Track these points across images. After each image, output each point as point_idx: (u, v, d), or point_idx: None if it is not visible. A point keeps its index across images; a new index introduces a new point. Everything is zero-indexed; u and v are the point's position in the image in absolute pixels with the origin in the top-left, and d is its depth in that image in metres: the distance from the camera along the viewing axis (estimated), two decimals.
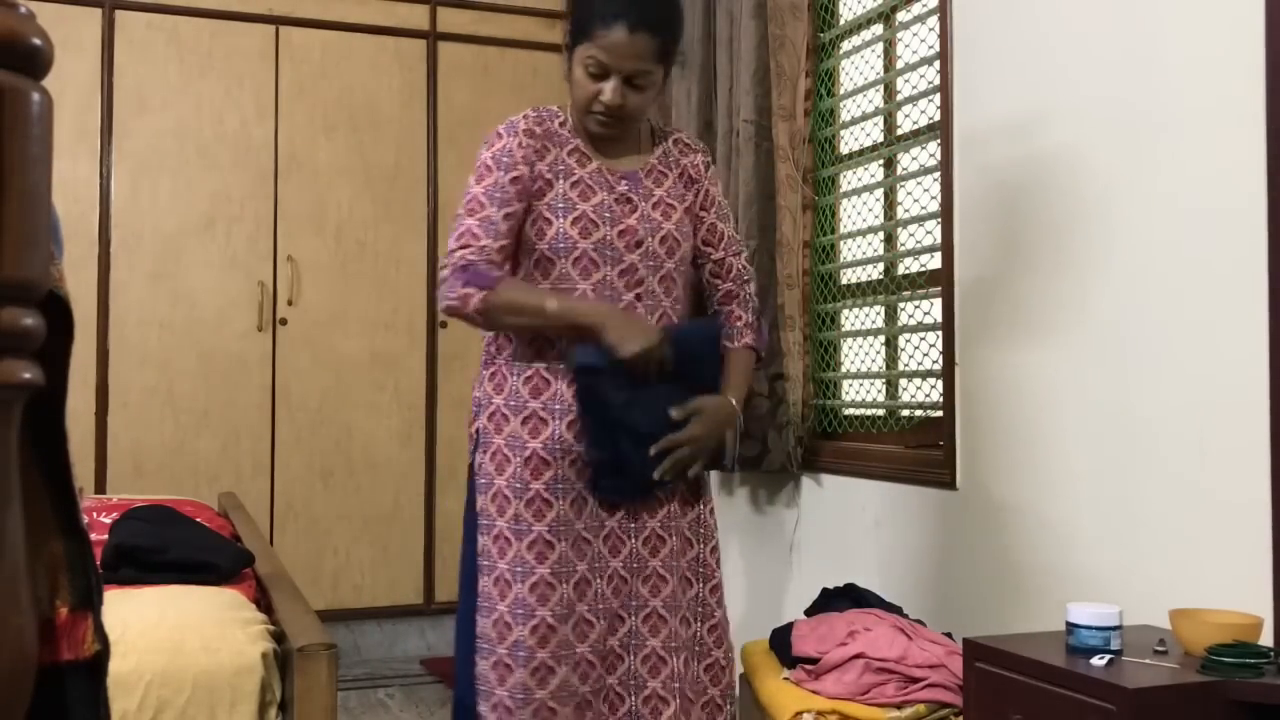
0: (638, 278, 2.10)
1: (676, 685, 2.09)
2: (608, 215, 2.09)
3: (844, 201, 3.23)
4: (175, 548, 2.53)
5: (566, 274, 2.07)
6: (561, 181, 2.09)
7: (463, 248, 2.03)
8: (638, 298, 2.10)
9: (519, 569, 2.06)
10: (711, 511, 2.24)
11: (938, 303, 2.70)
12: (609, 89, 2.04)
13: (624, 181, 2.13)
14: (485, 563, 2.09)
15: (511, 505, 2.07)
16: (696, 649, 2.15)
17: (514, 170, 2.05)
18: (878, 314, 3.06)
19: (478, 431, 2.14)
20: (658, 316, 2.11)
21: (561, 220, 2.07)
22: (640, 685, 2.10)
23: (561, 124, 2.13)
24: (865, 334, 3.09)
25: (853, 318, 3.18)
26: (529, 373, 2.10)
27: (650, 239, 2.11)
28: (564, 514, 2.06)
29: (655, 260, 2.11)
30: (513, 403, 2.10)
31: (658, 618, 2.10)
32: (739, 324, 2.21)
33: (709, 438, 2.11)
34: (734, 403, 2.15)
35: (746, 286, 2.23)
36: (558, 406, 2.08)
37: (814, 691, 2.29)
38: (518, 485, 2.08)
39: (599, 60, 2.03)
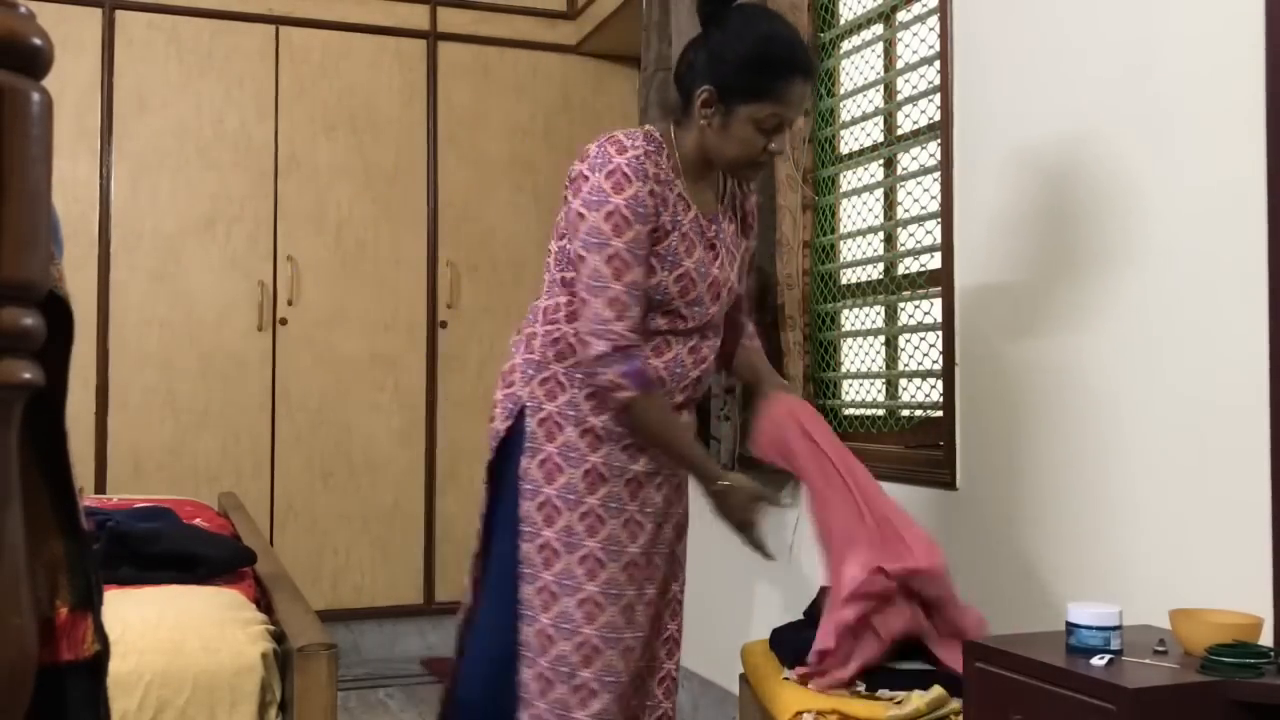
0: (713, 324, 2.13)
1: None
2: (702, 271, 2.08)
3: (844, 201, 3.23)
4: (166, 538, 2.53)
5: (653, 321, 2.05)
6: (674, 233, 2.04)
7: (618, 319, 1.95)
8: (703, 336, 2.12)
9: (567, 582, 2.04)
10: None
11: (938, 303, 2.70)
12: (780, 141, 2.03)
13: (712, 226, 2.11)
14: (527, 570, 2.05)
15: (562, 517, 2.04)
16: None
17: (649, 223, 1.99)
18: (878, 314, 3.06)
19: (522, 433, 2.07)
20: (710, 351, 2.16)
21: (666, 274, 2.03)
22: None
23: (664, 157, 2.05)
24: (865, 334, 3.09)
25: (853, 318, 3.18)
26: (593, 389, 2.05)
27: (724, 288, 2.13)
28: (616, 534, 2.06)
29: (724, 305, 2.15)
30: (570, 412, 2.05)
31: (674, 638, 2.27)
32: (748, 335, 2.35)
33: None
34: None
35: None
36: (618, 429, 2.06)
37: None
38: (570, 497, 2.04)
39: (780, 116, 2.01)
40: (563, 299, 2.07)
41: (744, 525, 2.10)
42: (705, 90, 2.04)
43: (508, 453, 2.09)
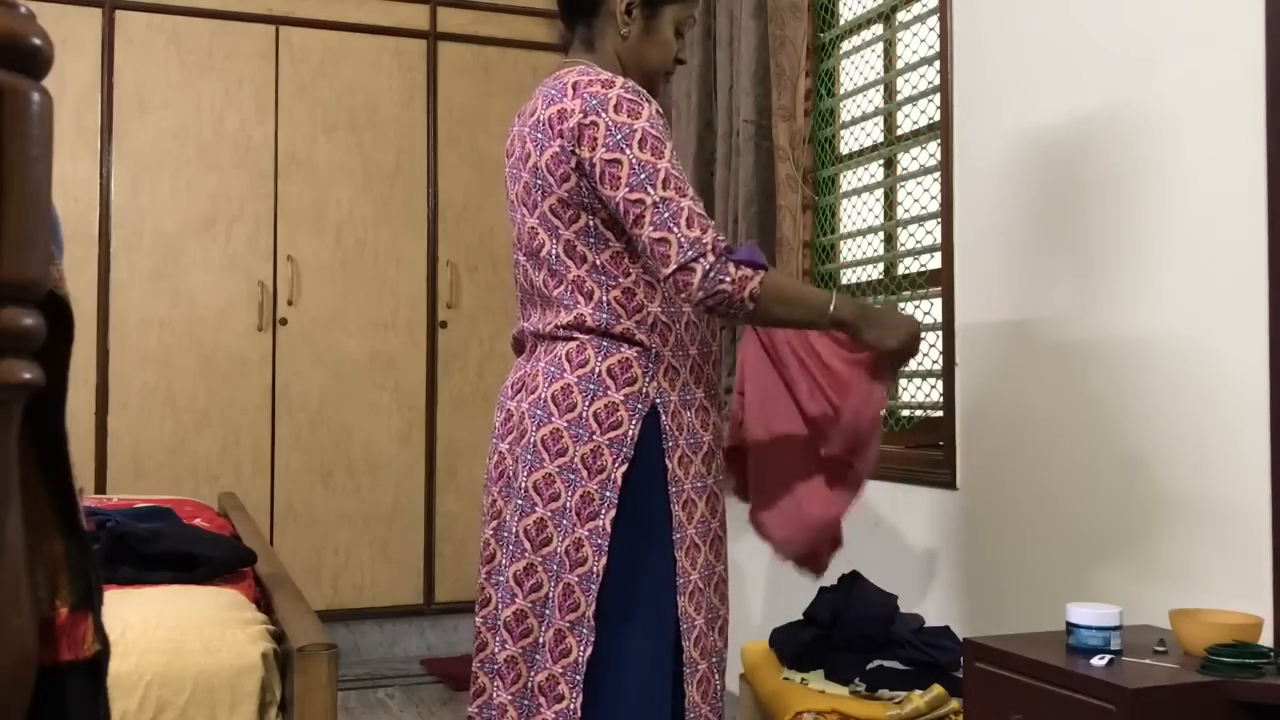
0: None
1: None
2: None
3: (844, 201, 3.23)
4: (166, 538, 2.53)
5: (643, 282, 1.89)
6: None
7: (704, 231, 1.76)
8: None
9: (706, 573, 1.94)
10: None
11: (938, 303, 2.70)
12: (682, 45, 1.98)
13: None
14: (682, 580, 1.87)
15: (698, 507, 1.91)
16: None
17: (671, 138, 1.86)
18: None
19: (658, 434, 1.88)
20: None
21: None
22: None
23: None
24: None
25: None
26: (691, 359, 1.91)
27: None
28: (704, 512, 1.95)
29: None
30: (686, 395, 1.90)
31: None
32: None
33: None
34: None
35: None
36: (714, 391, 1.96)
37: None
38: (699, 484, 1.92)
39: (693, 16, 1.97)
40: (619, 286, 1.87)
41: (913, 345, 1.92)
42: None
43: (641, 459, 1.86)
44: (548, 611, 1.86)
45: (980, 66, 2.56)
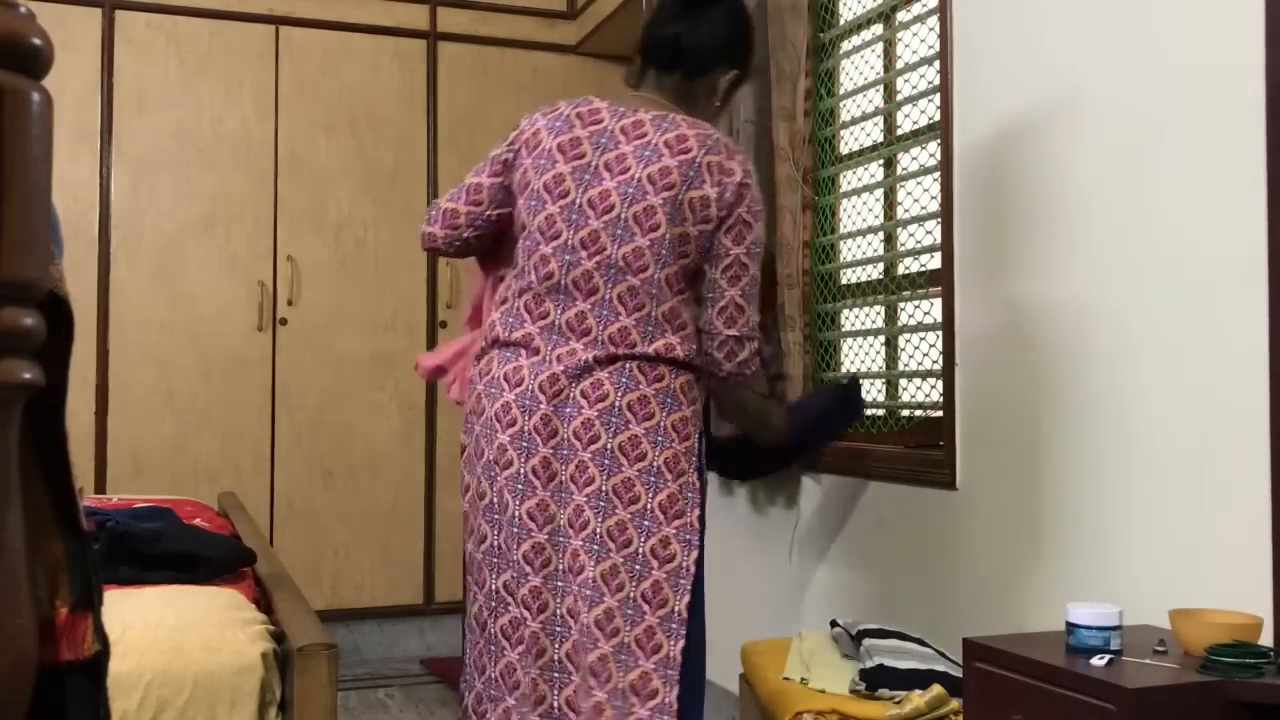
0: None
1: None
2: None
3: (844, 201, 3.22)
4: (166, 538, 2.53)
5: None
6: None
7: (757, 315, 2.12)
8: None
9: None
10: None
11: (938, 303, 2.70)
12: None
13: None
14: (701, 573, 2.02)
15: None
16: None
17: None
18: (878, 314, 3.06)
19: (701, 446, 2.07)
20: None
21: None
22: None
23: None
24: (865, 334, 3.09)
25: (853, 318, 3.17)
26: (738, 381, 2.14)
27: None
28: None
29: None
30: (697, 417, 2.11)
31: None
32: None
33: None
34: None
35: None
36: None
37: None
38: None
39: None
40: (686, 314, 2.04)
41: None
42: (733, 73, 2.17)
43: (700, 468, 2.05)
44: (630, 611, 1.93)
45: (980, 66, 2.56)
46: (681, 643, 1.92)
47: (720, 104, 2.20)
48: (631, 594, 1.92)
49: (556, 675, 1.96)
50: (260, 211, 4.36)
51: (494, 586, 2.01)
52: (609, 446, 1.95)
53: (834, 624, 2.62)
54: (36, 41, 0.69)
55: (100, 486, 4.09)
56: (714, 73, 2.15)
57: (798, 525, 3.23)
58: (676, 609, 1.92)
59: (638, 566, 1.93)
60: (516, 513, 1.99)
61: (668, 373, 2.00)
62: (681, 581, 1.93)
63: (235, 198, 4.33)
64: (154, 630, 2.04)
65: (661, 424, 1.97)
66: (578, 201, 2.02)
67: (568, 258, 2.01)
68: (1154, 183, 2.10)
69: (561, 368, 1.99)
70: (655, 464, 1.95)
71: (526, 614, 1.98)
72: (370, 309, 4.45)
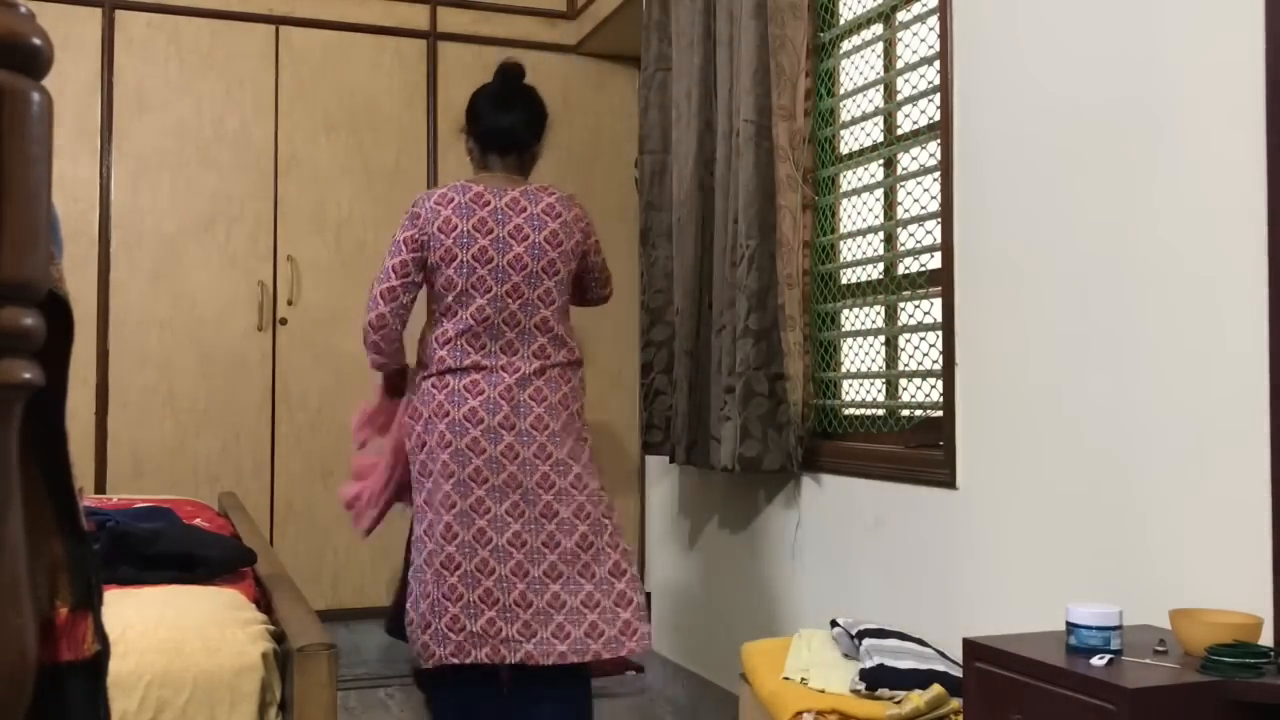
0: None
1: None
2: None
3: (844, 201, 3.22)
4: (166, 538, 2.53)
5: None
6: None
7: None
8: None
9: None
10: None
11: (938, 303, 2.70)
12: None
13: None
14: None
15: None
16: None
17: None
18: (878, 314, 3.06)
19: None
20: None
21: None
22: None
23: None
24: (865, 334, 3.09)
25: (853, 318, 3.17)
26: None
27: None
28: None
29: None
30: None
31: None
32: None
33: None
34: None
35: None
36: None
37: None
38: None
39: None
40: (572, 322, 3.00)
41: None
42: (541, 144, 3.10)
43: None
44: (597, 530, 2.86)
45: (980, 66, 2.56)
46: (624, 546, 2.91)
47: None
48: (595, 517, 2.86)
49: (537, 587, 2.80)
50: (260, 211, 4.36)
51: (466, 538, 2.79)
52: (555, 430, 2.85)
53: (834, 624, 2.62)
54: (36, 41, 0.69)
55: (100, 486, 4.09)
56: (535, 147, 3.05)
57: (798, 525, 3.23)
58: (619, 525, 2.93)
59: (594, 501, 2.87)
60: (494, 483, 2.80)
61: (573, 374, 2.95)
62: (613, 513, 2.92)
63: (235, 198, 4.33)
64: (154, 630, 2.04)
65: (573, 410, 2.92)
66: (499, 264, 2.85)
67: (498, 304, 2.85)
68: (1154, 182, 2.10)
69: (512, 379, 2.84)
70: (580, 438, 2.92)
71: (512, 549, 2.79)
72: None
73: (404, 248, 2.86)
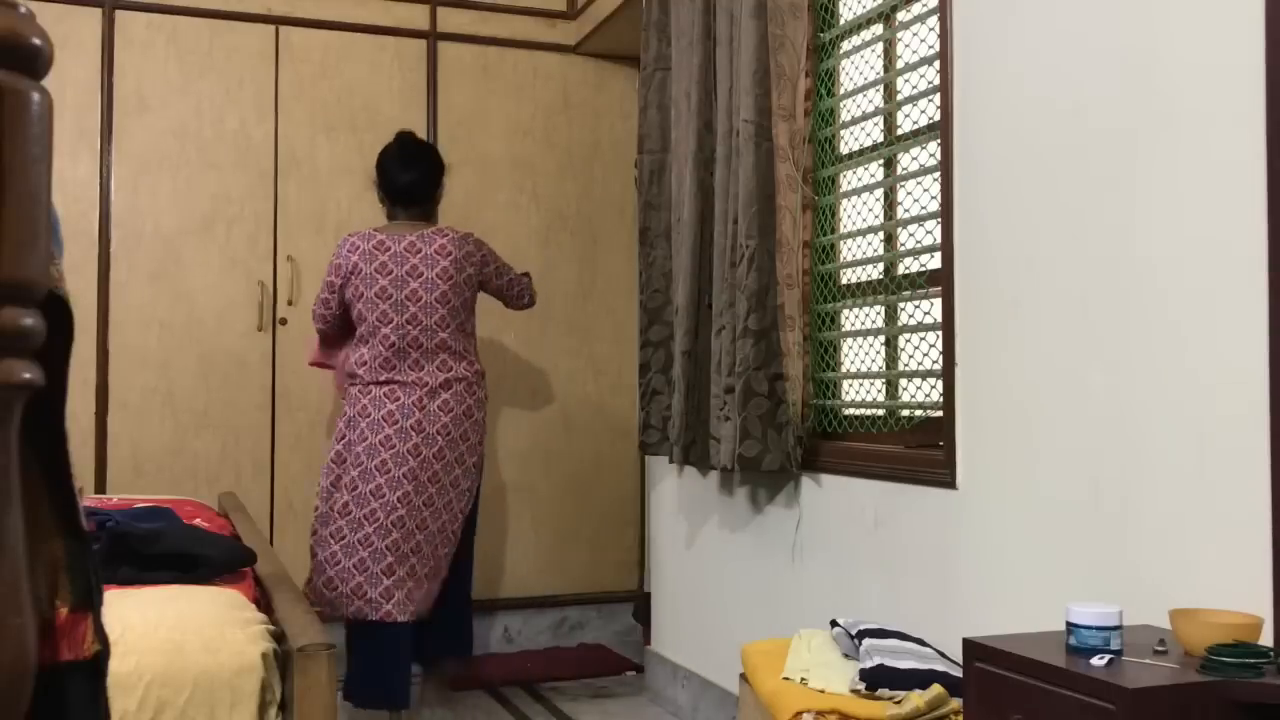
0: None
1: None
2: None
3: (844, 201, 3.22)
4: (166, 538, 2.53)
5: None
6: None
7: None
8: None
9: None
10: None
11: (938, 303, 2.70)
12: None
13: None
14: None
15: None
16: None
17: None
18: (878, 314, 3.06)
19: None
20: None
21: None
22: None
23: None
24: (865, 334, 3.09)
25: (853, 318, 3.18)
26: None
27: None
28: None
29: None
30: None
31: None
32: None
33: None
34: None
35: None
36: None
37: None
38: None
39: None
40: (473, 340, 3.75)
41: None
42: (440, 190, 3.82)
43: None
44: (452, 516, 3.67)
45: (980, 66, 2.56)
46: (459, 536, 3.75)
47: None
48: (457, 510, 3.65)
49: (419, 553, 3.56)
50: (260, 211, 4.36)
51: (359, 515, 3.51)
52: (454, 436, 3.60)
53: (834, 624, 2.62)
54: (36, 41, 0.69)
55: (100, 486, 4.09)
56: (435, 196, 3.77)
57: (798, 525, 3.23)
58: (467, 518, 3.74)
59: (463, 499, 3.67)
60: (396, 474, 3.51)
61: (477, 387, 3.67)
62: (470, 508, 3.73)
63: (235, 198, 4.33)
64: (154, 630, 2.04)
65: (477, 419, 3.68)
66: (398, 299, 3.55)
67: (400, 332, 3.55)
68: (1154, 182, 2.10)
69: (423, 391, 3.55)
70: (475, 444, 3.68)
71: (393, 528, 3.51)
72: None
73: (326, 288, 3.68)
